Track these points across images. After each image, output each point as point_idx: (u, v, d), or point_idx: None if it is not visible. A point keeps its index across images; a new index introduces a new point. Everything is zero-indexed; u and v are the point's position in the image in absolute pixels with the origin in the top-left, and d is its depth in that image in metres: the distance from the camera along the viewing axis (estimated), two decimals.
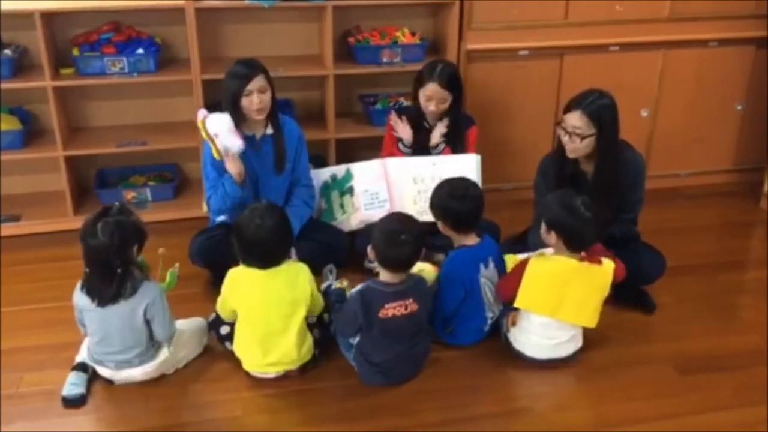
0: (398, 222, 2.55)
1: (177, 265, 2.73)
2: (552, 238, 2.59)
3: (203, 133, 2.92)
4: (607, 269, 2.62)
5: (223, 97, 2.99)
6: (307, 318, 2.60)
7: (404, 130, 3.31)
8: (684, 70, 3.90)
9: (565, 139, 2.89)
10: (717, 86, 3.97)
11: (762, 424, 2.45)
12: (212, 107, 3.42)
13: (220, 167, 3.01)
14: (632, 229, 3.04)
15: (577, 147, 2.87)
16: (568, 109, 2.89)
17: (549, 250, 2.66)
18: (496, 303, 2.79)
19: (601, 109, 2.83)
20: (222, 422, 2.46)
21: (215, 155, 2.94)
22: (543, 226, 2.62)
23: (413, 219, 2.60)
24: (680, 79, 3.91)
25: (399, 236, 2.46)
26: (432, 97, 3.21)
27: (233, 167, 2.93)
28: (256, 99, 2.92)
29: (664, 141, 4.02)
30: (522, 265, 2.64)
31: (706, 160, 4.15)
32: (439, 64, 3.25)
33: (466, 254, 2.74)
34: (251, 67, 2.94)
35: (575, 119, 2.84)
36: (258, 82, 2.92)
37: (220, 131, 2.90)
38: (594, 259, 2.60)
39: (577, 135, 2.84)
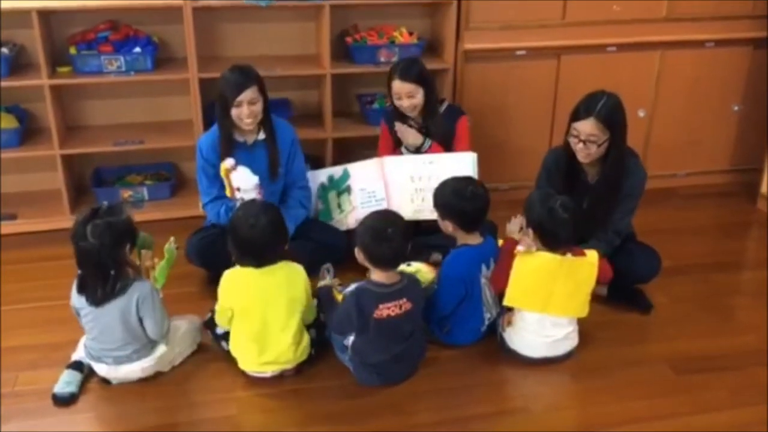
0: (382, 218, 2.54)
1: (172, 239, 2.68)
2: (530, 233, 2.63)
3: (222, 172, 2.89)
4: (591, 260, 2.63)
5: (216, 101, 3.00)
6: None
7: (409, 134, 3.31)
8: (681, 71, 3.90)
9: (579, 146, 2.82)
10: (714, 87, 3.98)
11: (758, 425, 2.45)
12: (210, 107, 3.43)
13: (211, 176, 3.04)
14: (614, 242, 2.96)
15: (591, 153, 2.82)
16: (577, 117, 2.81)
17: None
18: (495, 304, 2.78)
19: (612, 112, 2.79)
20: (217, 422, 2.45)
21: (227, 193, 2.93)
22: (524, 222, 2.67)
23: (397, 214, 2.59)
24: (677, 80, 3.91)
25: (385, 231, 2.44)
26: (399, 94, 3.22)
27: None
28: (245, 110, 2.92)
29: (660, 141, 4.02)
30: (510, 252, 2.64)
31: (702, 160, 4.16)
32: (402, 60, 3.30)
33: (469, 253, 2.73)
34: (245, 77, 2.91)
35: (589, 127, 2.78)
36: (249, 93, 2.90)
37: (245, 188, 2.88)
38: (577, 251, 2.63)
39: (592, 142, 2.79)
